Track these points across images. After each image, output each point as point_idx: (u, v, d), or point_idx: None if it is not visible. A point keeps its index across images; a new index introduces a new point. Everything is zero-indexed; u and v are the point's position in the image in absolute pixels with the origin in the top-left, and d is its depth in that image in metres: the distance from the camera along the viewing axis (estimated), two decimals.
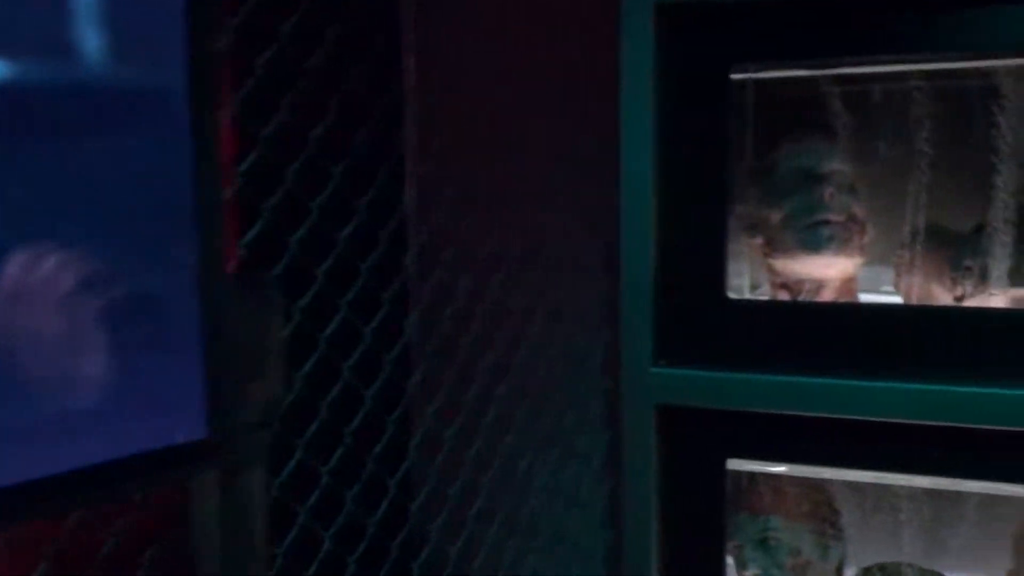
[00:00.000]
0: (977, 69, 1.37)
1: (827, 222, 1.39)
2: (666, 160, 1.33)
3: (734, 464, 1.32)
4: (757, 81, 1.50)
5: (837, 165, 1.43)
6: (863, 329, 1.27)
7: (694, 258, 1.33)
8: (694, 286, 1.33)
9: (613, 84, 1.31)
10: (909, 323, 1.27)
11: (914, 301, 1.42)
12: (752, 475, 1.41)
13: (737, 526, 1.44)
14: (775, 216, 1.43)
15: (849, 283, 1.44)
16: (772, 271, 1.46)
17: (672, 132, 1.32)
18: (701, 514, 1.34)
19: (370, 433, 1.40)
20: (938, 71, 1.35)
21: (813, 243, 1.39)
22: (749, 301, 1.37)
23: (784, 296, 1.45)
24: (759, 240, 1.47)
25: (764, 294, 1.52)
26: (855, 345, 1.27)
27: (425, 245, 1.58)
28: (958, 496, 1.36)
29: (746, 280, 1.62)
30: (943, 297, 1.39)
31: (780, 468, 1.37)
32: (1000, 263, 1.34)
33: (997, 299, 1.34)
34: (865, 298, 1.47)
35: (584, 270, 1.66)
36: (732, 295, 1.34)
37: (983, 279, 1.34)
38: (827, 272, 1.41)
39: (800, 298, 1.42)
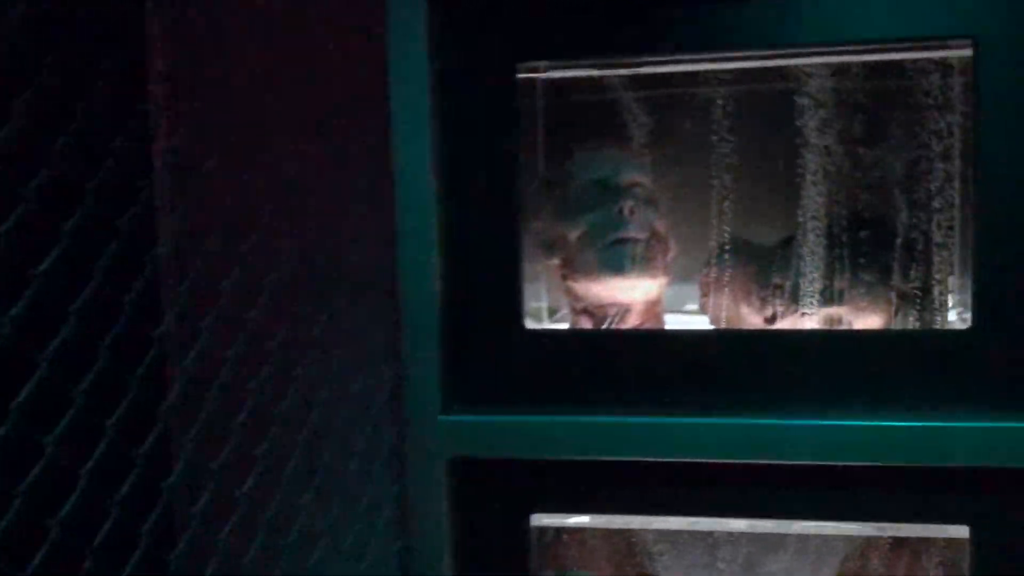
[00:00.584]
0: (781, 70, 1.26)
1: (628, 240, 1.26)
2: (449, 171, 1.15)
3: (538, 519, 1.16)
4: (547, 82, 1.35)
5: (637, 176, 1.29)
6: (672, 359, 1.14)
7: (486, 284, 1.16)
8: (487, 316, 1.16)
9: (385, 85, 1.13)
10: (719, 350, 1.14)
11: (722, 323, 1.30)
12: (558, 529, 1.25)
13: None
14: (572, 233, 1.28)
15: (654, 306, 1.31)
16: (572, 295, 1.31)
17: (454, 139, 1.15)
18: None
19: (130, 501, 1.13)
20: (742, 72, 1.23)
21: (614, 264, 1.25)
22: (549, 332, 1.21)
23: (586, 323, 1.30)
24: (556, 261, 1.32)
25: (564, 319, 1.37)
26: (664, 377, 1.13)
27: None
28: (780, 537, 1.25)
29: (545, 305, 1.47)
30: (753, 318, 1.28)
31: (587, 520, 1.22)
32: (811, 279, 1.24)
33: (809, 319, 1.23)
34: (671, 321, 1.34)
35: (365, 298, 1.47)
36: (531, 324, 1.18)
37: (794, 298, 1.23)
38: (631, 295, 1.27)
39: (605, 325, 1.28)
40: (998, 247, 1.05)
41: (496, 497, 1.16)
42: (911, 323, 1.24)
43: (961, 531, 1.09)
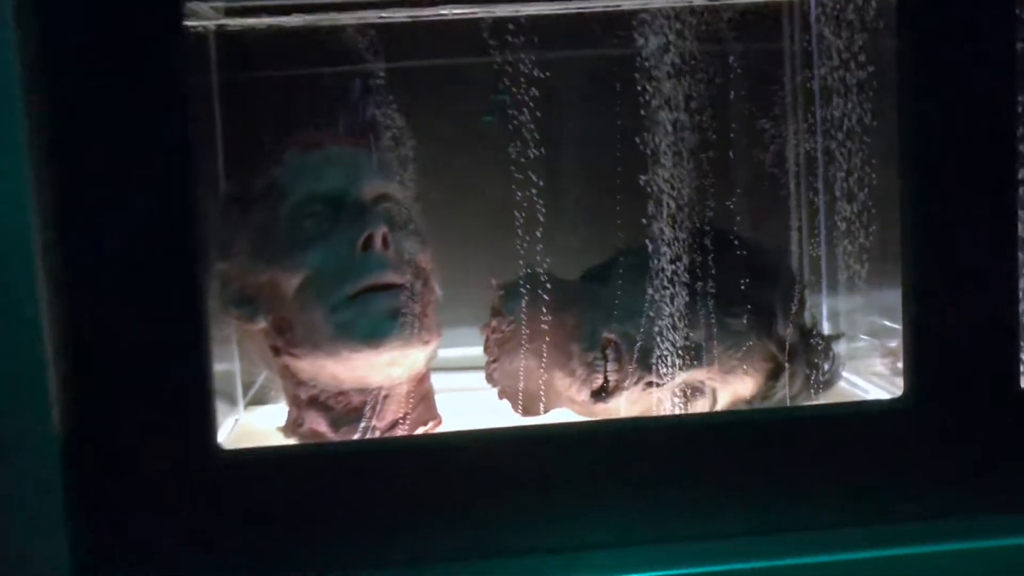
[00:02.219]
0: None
1: (380, 288, 0.79)
2: (66, 189, 0.64)
3: None
4: (227, 35, 0.86)
5: (384, 185, 0.83)
6: (455, 476, 0.69)
7: (144, 378, 0.66)
8: (147, 428, 0.66)
9: None
10: (542, 456, 0.70)
11: (522, 406, 0.87)
12: None
13: None
14: (287, 282, 0.80)
15: (422, 383, 0.85)
16: (292, 378, 0.82)
17: (73, 135, 0.64)
18: None
19: None
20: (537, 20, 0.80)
21: (362, 328, 0.77)
22: (260, 455, 0.71)
23: (319, 422, 0.81)
24: (261, 325, 0.83)
25: (279, 410, 0.88)
26: (440, 514, 0.68)
27: None
28: None
29: (240, 387, 0.96)
30: (574, 394, 0.84)
31: None
32: (656, 329, 0.82)
33: (663, 389, 0.82)
34: (446, 403, 0.88)
35: None
36: (225, 443, 0.69)
37: (641, 358, 0.81)
38: (389, 374, 0.80)
39: (350, 426, 0.80)
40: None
41: None
42: (799, 388, 0.86)
43: None
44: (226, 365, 0.95)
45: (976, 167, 0.70)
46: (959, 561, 0.70)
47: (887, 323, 1.07)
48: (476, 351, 0.89)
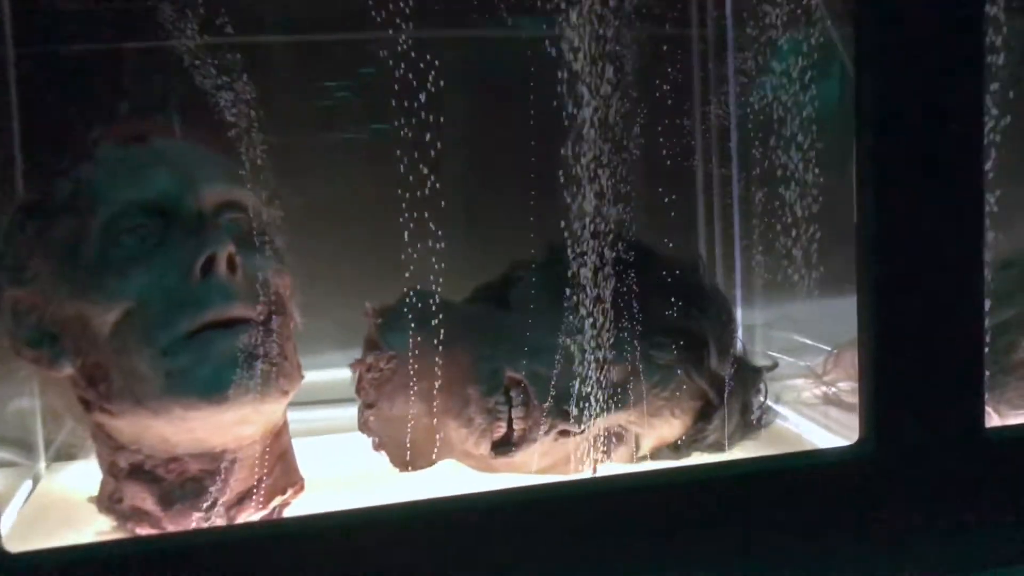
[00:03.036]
0: None
1: (225, 325, 0.61)
2: None
3: None
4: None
5: (229, 190, 0.65)
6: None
7: None
8: None
9: None
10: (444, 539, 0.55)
11: (411, 461, 0.71)
12: None
13: None
14: (100, 317, 0.61)
15: (279, 438, 0.67)
16: (110, 441, 0.64)
17: None
18: None
19: None
20: None
21: (205, 379, 0.59)
22: (58, 560, 0.52)
23: (143, 498, 0.63)
24: (67, 371, 0.64)
25: (94, 468, 0.69)
26: None
27: None
28: None
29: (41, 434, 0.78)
30: (470, 447, 0.69)
31: None
32: (569, 366, 0.67)
33: (578, 437, 0.67)
34: (308, 459, 0.71)
35: None
36: (9, 535, 0.50)
37: (554, 402, 0.66)
38: (238, 433, 0.63)
39: (192, 499, 0.62)
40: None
41: None
42: (732, 430, 0.73)
43: None
44: (23, 401, 0.76)
45: (941, 209, 0.59)
46: None
47: (803, 339, 0.96)
48: (342, 375, 0.73)
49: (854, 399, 0.85)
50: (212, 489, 0.62)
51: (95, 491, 0.66)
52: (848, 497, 0.62)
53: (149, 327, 0.60)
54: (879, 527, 0.62)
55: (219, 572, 0.52)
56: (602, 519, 0.57)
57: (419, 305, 0.69)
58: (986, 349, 0.62)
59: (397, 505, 0.56)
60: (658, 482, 0.62)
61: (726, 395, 0.71)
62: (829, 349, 0.91)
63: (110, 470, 0.64)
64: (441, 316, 0.67)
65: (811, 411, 0.85)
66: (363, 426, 0.72)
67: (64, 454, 0.79)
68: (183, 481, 0.62)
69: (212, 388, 0.59)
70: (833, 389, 0.85)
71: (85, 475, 0.72)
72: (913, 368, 0.62)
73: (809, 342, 0.95)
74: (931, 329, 0.61)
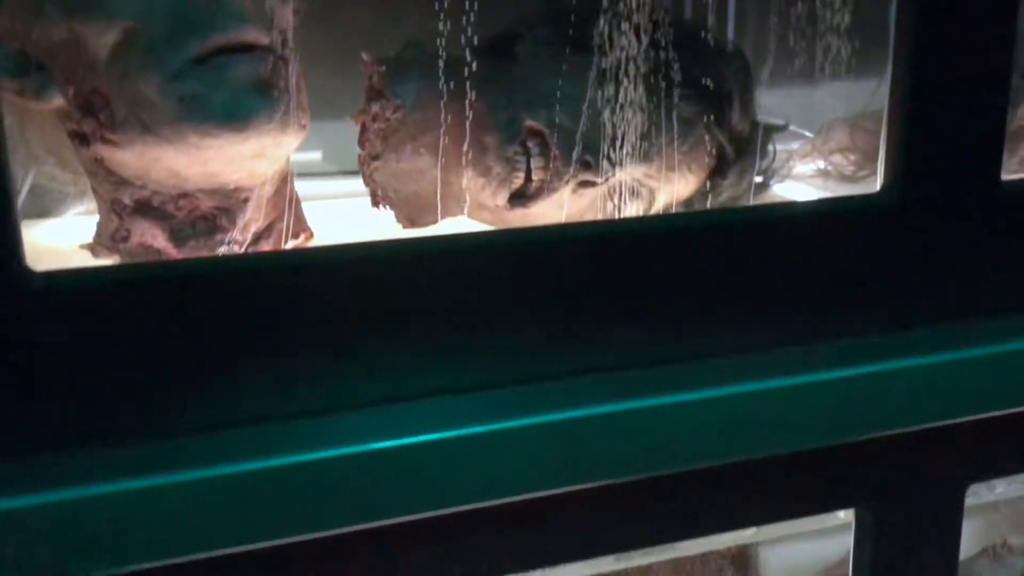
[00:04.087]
0: None
1: (238, 49, 0.56)
2: None
3: None
4: None
5: None
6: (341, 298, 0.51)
7: None
8: None
9: None
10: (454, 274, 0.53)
11: (407, 217, 0.68)
12: None
13: None
14: (97, 39, 0.55)
15: (283, 184, 0.64)
16: (111, 176, 0.59)
17: None
18: None
19: None
20: None
21: (225, 106, 0.55)
22: (75, 277, 0.48)
23: (154, 235, 0.59)
24: (56, 102, 0.58)
25: (67, 225, 0.65)
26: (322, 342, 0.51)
27: None
28: None
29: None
30: (486, 198, 0.66)
31: None
32: (586, 116, 0.65)
33: (596, 189, 0.66)
34: (315, 213, 0.68)
35: None
36: (35, 265, 0.47)
37: (571, 152, 0.64)
38: (252, 169, 0.59)
39: (205, 237, 0.58)
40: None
41: None
42: (740, 185, 0.72)
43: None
44: None
45: None
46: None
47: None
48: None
49: (849, 171, 0.86)
50: (227, 226, 0.58)
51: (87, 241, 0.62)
52: (869, 242, 0.62)
53: (154, 49, 0.55)
54: (897, 273, 0.63)
55: (244, 292, 0.49)
56: (623, 263, 0.56)
57: (425, 54, 0.65)
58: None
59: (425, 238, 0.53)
60: (675, 224, 0.61)
61: (742, 151, 0.70)
62: (808, 134, 0.91)
63: (112, 207, 0.59)
64: (449, 66, 0.64)
65: (804, 184, 0.86)
66: (367, 179, 0.68)
67: (35, 213, 0.74)
68: (194, 219, 0.58)
69: (231, 115, 0.55)
70: (828, 163, 0.85)
71: (61, 232, 0.68)
72: (941, 118, 0.61)
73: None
74: (962, 82, 0.61)
